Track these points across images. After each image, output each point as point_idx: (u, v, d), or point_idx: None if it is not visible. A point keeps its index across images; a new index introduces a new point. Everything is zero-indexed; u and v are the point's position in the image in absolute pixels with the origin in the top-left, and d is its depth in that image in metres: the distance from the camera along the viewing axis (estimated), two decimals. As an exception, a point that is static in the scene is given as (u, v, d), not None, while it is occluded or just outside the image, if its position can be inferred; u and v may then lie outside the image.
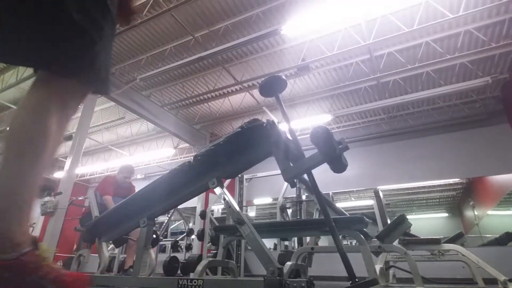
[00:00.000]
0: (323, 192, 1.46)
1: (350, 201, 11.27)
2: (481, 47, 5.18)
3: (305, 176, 1.40)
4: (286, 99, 6.84)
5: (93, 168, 10.48)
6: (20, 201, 0.61)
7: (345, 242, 9.95)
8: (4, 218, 0.59)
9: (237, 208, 1.44)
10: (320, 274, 5.46)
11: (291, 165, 1.36)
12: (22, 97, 0.67)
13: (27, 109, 0.67)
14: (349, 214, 2.30)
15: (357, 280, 1.10)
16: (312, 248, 2.34)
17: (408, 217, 2.46)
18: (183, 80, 6.66)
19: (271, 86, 1.51)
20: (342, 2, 4.26)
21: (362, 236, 1.71)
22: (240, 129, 1.50)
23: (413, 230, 3.23)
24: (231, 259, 4.87)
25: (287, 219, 4.95)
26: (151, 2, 4.70)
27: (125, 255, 3.65)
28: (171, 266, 4.16)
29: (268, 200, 9.29)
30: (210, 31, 5.28)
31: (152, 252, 2.37)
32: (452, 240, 3.61)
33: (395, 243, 2.59)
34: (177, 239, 6.76)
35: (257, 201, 9.42)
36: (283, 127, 1.56)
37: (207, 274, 3.84)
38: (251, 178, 6.03)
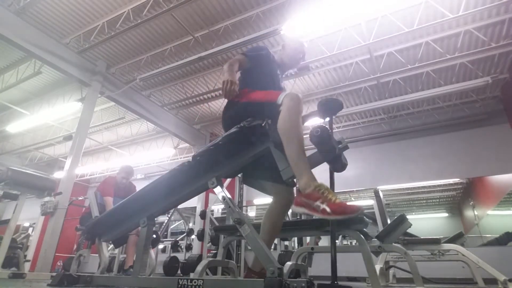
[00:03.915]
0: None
1: (350, 201, 11.27)
2: (481, 47, 5.18)
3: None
4: (286, 99, 6.83)
5: (93, 168, 10.48)
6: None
7: (345, 242, 9.95)
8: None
9: (237, 208, 1.44)
10: (320, 274, 5.45)
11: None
12: None
13: None
14: (349, 214, 2.29)
15: (336, 282, 1.17)
16: (312, 248, 2.33)
17: (408, 217, 2.46)
18: (183, 80, 6.66)
19: (328, 108, 1.50)
20: (342, 2, 4.26)
21: (362, 236, 1.71)
22: (238, 129, 1.50)
23: (413, 230, 3.22)
24: (231, 259, 4.87)
25: (287, 219, 4.94)
26: (151, 2, 4.70)
27: (125, 255, 3.65)
28: (171, 266, 4.16)
29: (268, 200, 9.23)
30: (210, 31, 5.28)
31: (152, 252, 2.37)
32: (452, 240, 3.61)
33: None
34: (177, 239, 6.76)
35: (257, 201, 9.41)
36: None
37: (207, 274, 3.84)
38: (251, 178, 6.02)
